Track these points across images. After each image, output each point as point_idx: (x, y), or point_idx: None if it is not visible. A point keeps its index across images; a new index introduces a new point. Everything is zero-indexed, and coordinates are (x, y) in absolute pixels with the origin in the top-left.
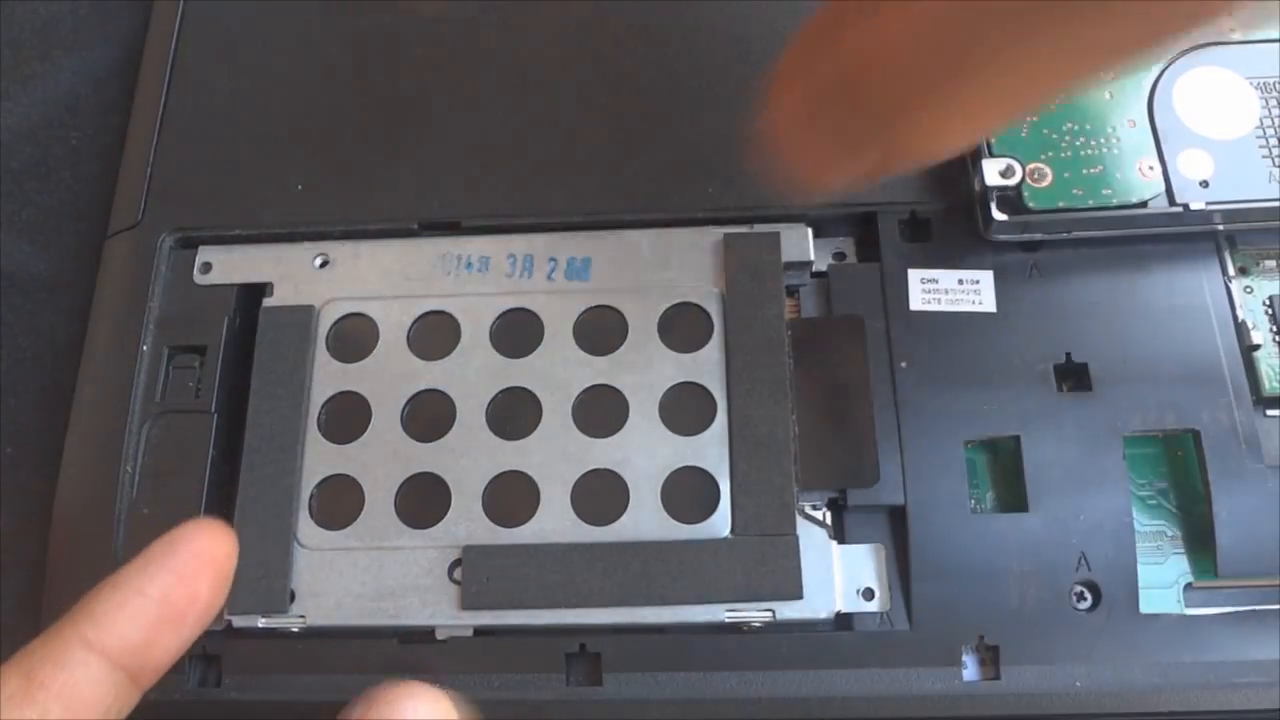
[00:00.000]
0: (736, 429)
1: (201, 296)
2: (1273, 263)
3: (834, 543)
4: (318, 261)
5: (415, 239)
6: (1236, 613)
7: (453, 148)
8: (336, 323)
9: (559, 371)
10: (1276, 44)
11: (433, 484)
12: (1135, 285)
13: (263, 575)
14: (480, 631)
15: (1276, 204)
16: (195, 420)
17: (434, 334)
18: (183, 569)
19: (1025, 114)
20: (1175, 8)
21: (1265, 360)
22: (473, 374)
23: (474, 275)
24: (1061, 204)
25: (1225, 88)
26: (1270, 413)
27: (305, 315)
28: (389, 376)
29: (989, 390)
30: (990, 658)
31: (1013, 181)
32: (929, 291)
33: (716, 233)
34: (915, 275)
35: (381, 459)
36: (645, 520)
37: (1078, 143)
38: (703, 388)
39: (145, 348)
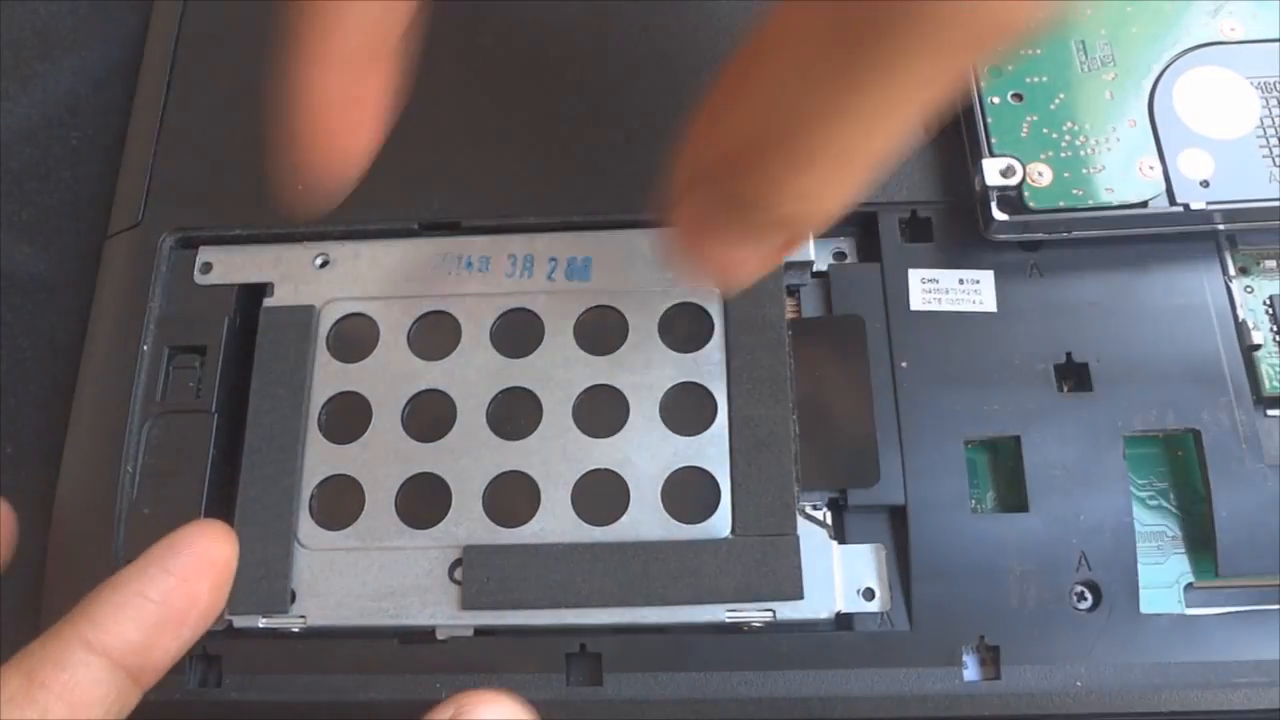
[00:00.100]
0: (737, 429)
1: (202, 296)
2: (1273, 262)
3: (834, 543)
4: (318, 261)
5: (415, 239)
6: (1237, 613)
7: (453, 148)
8: (337, 323)
9: (559, 371)
10: (1276, 44)
11: (433, 484)
12: (1135, 285)
13: (263, 575)
14: (480, 631)
15: (1277, 204)
16: (195, 420)
17: (434, 334)
18: (183, 571)
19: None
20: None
21: (1265, 360)
22: (473, 374)
23: (474, 275)
24: (1062, 204)
25: (1225, 88)
26: (1270, 413)
27: (305, 315)
28: (389, 376)
29: (989, 390)
30: (990, 657)
31: (1013, 181)
32: (929, 291)
33: None
34: (916, 275)
35: (382, 459)
36: (645, 520)
37: (1078, 142)
38: (703, 388)
39: (145, 348)
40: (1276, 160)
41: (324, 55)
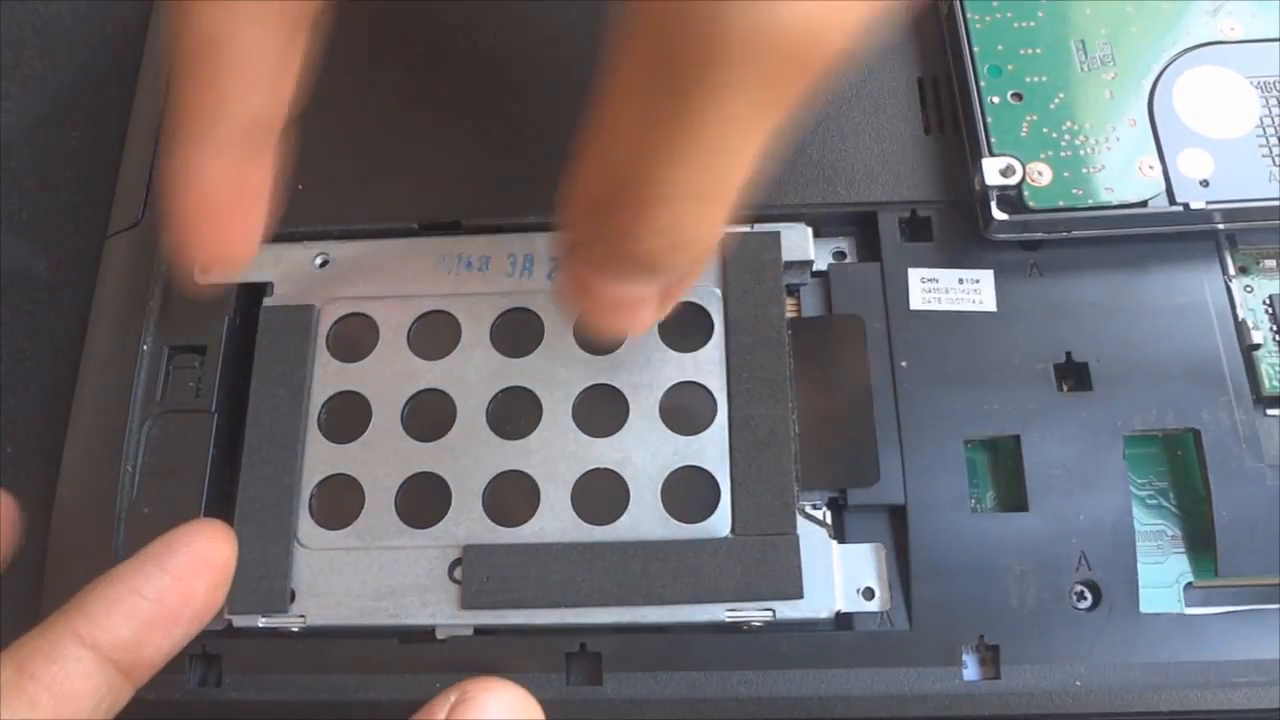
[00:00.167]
0: (737, 428)
1: (201, 296)
2: (1273, 262)
3: (834, 542)
4: (318, 261)
5: (415, 239)
6: (1236, 612)
7: (453, 148)
8: (337, 322)
9: (559, 371)
10: (1276, 44)
11: (433, 483)
12: (1135, 284)
13: (263, 575)
14: (480, 631)
15: (1276, 203)
16: (195, 420)
17: (434, 334)
18: (179, 569)
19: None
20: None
21: (1265, 359)
22: (473, 374)
23: (474, 275)
24: (1061, 203)
25: (1225, 87)
26: (1270, 412)
27: (306, 315)
28: (389, 376)
29: (989, 389)
30: (990, 657)
31: (1013, 181)
32: (929, 291)
33: None
34: (915, 274)
35: (382, 458)
36: (645, 520)
37: (1077, 142)
38: (703, 387)
39: (145, 347)
40: (1276, 160)
41: (208, 143)
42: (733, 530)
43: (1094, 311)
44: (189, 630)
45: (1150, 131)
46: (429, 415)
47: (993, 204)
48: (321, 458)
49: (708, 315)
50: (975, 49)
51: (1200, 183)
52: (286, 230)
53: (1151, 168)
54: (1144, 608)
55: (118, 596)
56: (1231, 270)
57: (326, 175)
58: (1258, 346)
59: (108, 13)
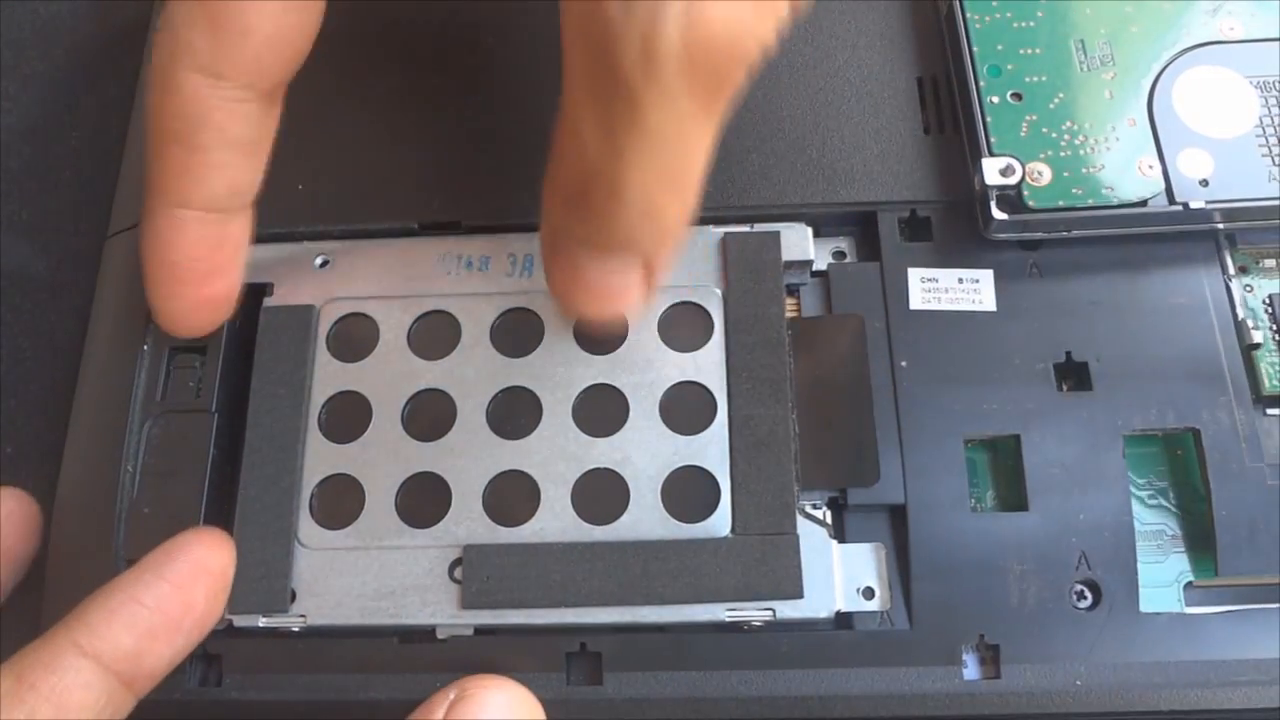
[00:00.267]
0: (737, 428)
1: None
2: (1272, 262)
3: (834, 542)
4: (318, 261)
5: (415, 239)
6: (1236, 611)
7: (453, 148)
8: (337, 322)
9: (559, 371)
10: (1276, 44)
11: (433, 483)
12: (1135, 284)
13: (263, 575)
14: (480, 631)
15: (1276, 203)
16: (196, 420)
17: (434, 334)
18: (178, 578)
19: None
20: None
21: (1265, 359)
22: (473, 373)
23: (474, 275)
24: (1061, 203)
25: (1225, 87)
26: (1270, 412)
27: (306, 315)
28: (389, 376)
29: (989, 389)
30: (990, 656)
31: (1013, 181)
32: (929, 290)
33: (716, 232)
34: (915, 274)
35: (382, 458)
36: (645, 519)
37: (1077, 142)
38: (703, 387)
39: (146, 347)
40: (1276, 159)
41: (182, 208)
42: (733, 530)
43: (1094, 311)
44: (190, 639)
45: (1150, 131)
46: (429, 415)
47: (992, 204)
48: (322, 458)
49: (708, 315)
50: (975, 49)
51: (1200, 182)
52: (286, 230)
53: (1151, 167)
54: (1144, 607)
55: (117, 606)
56: (1231, 270)
57: (326, 175)
58: (1257, 346)
59: (108, 13)
